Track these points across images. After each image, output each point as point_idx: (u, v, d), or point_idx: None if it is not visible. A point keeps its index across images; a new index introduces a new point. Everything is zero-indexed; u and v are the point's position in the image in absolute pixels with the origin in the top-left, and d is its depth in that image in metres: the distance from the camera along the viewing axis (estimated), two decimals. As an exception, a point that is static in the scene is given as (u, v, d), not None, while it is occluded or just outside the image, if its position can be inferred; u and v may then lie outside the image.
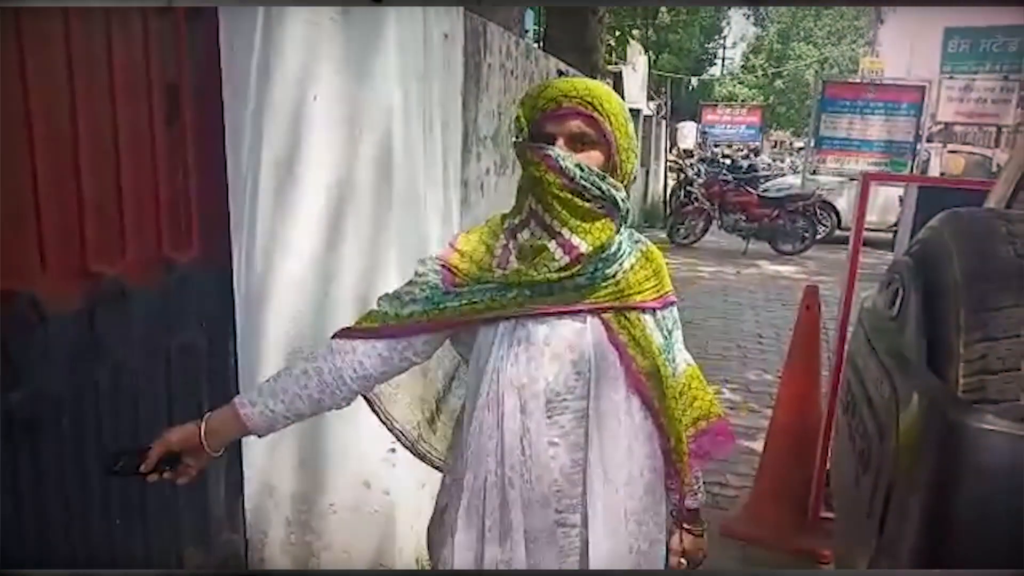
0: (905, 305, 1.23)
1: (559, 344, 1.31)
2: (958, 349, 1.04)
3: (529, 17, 9.83)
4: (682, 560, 1.49)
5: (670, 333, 1.43)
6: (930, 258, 1.22)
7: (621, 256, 1.33)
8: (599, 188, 1.25)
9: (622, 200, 1.29)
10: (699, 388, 1.48)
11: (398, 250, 2.43)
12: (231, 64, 2.34)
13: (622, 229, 1.32)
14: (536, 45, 7.07)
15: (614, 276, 1.32)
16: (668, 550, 1.47)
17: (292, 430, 2.55)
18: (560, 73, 4.87)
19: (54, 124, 1.80)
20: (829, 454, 3.02)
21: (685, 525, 1.50)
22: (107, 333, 2.00)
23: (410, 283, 1.37)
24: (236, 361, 2.51)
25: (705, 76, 33.75)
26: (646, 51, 15.42)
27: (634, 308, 1.34)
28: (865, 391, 1.31)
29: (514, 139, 1.33)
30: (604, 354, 1.32)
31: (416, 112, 2.47)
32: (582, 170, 1.24)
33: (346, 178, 2.37)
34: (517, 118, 1.32)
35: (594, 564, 1.31)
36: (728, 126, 22.95)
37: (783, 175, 15.55)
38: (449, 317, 1.31)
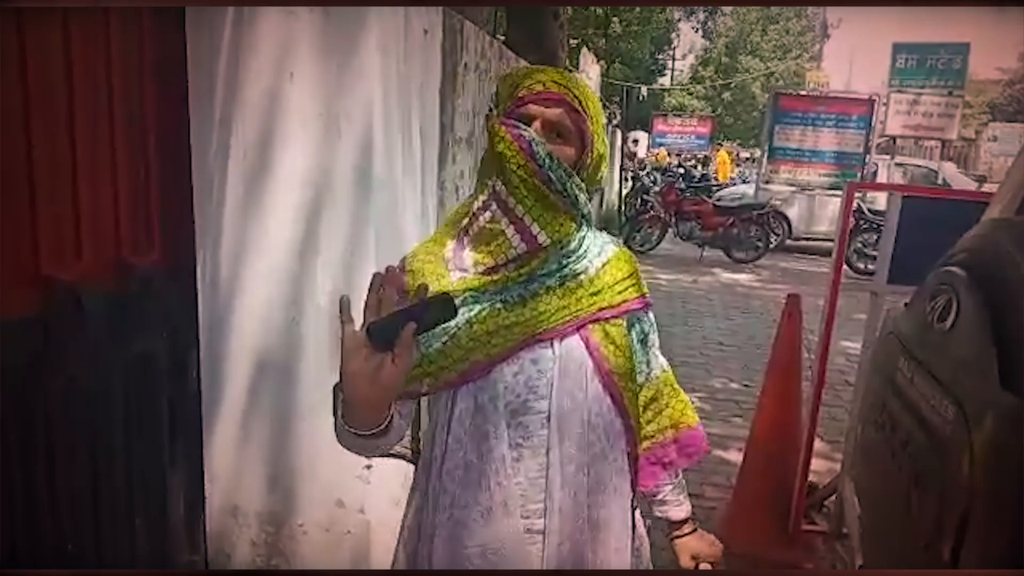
0: (961, 318, 1.16)
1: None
2: (1035, 364, 0.97)
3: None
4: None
5: (646, 337, 1.38)
6: (990, 268, 1.16)
7: (588, 252, 1.26)
8: (563, 184, 1.18)
9: (583, 203, 1.22)
10: (671, 395, 1.42)
11: (375, 257, 2.30)
12: (198, 60, 2.19)
13: (583, 228, 1.25)
14: (498, 49, 6.97)
15: (584, 272, 1.24)
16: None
17: (258, 445, 2.42)
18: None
19: (5, 124, 1.66)
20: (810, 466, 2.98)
21: (676, 533, 1.45)
22: (61, 341, 1.84)
23: None
24: (199, 373, 2.34)
25: (656, 86, 34.11)
26: (598, 60, 15.48)
27: (619, 313, 1.27)
28: (911, 409, 1.23)
29: (488, 111, 1.28)
30: (570, 350, 1.22)
31: (396, 111, 2.35)
32: (552, 160, 1.17)
33: (320, 180, 2.24)
34: (496, 91, 1.26)
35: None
36: (679, 136, 23.23)
37: (735, 184, 15.81)
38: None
